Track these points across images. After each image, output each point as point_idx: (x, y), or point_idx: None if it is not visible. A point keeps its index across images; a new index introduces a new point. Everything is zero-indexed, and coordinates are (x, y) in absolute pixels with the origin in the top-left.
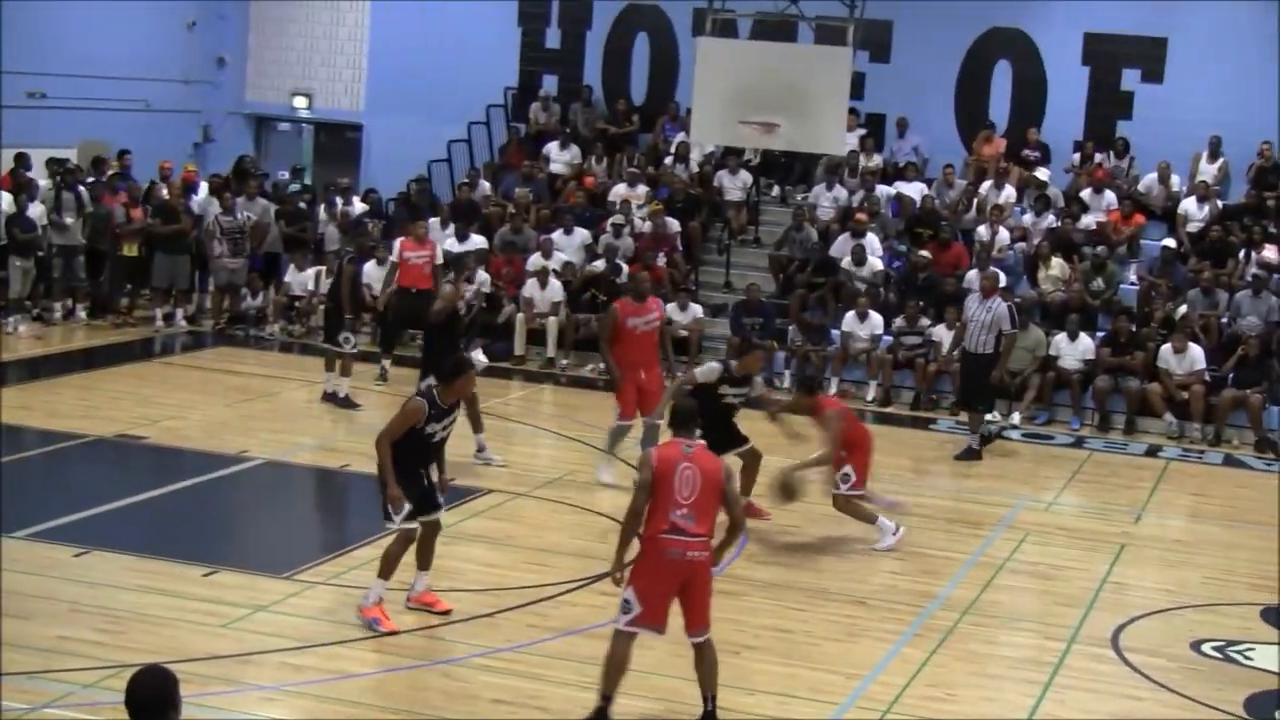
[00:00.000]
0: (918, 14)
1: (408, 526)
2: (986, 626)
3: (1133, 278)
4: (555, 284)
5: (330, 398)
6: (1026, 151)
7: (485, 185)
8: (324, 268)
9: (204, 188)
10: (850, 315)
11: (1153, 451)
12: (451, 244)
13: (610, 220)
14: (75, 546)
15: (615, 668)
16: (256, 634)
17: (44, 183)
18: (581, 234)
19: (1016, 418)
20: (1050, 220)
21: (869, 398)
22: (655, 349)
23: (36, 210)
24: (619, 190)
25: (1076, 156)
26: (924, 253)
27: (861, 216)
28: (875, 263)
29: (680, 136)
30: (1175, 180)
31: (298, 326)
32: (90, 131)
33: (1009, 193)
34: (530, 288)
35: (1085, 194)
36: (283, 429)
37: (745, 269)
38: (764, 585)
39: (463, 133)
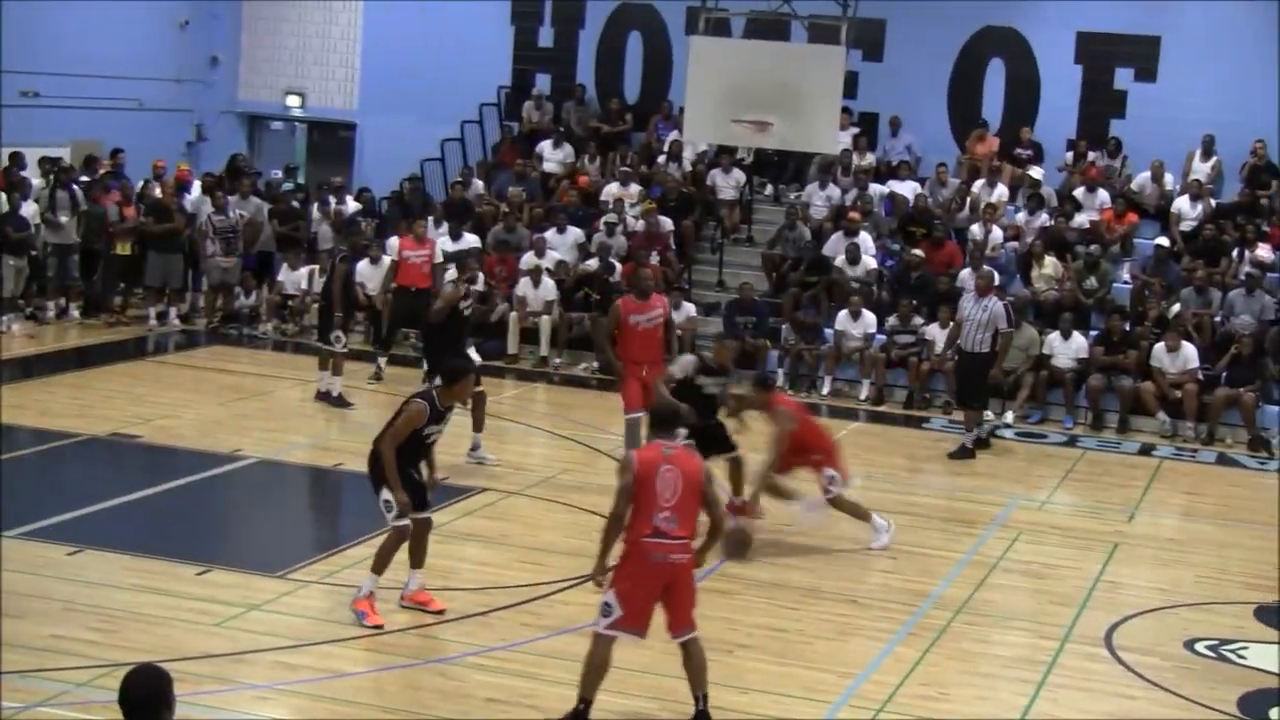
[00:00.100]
0: (911, 13)
1: (400, 524)
2: (980, 625)
3: (1126, 276)
4: (548, 283)
5: (324, 397)
6: (1019, 150)
7: (478, 184)
8: (317, 267)
9: (197, 186)
10: (843, 314)
11: (1146, 450)
12: (445, 243)
13: (603, 219)
14: (69, 545)
15: (595, 670)
16: (250, 633)
17: (37, 181)
18: (575, 233)
19: (1010, 416)
20: (1043, 219)
21: (862, 396)
22: (658, 346)
23: (30, 209)
24: (612, 189)
25: (1069, 155)
26: (917, 251)
27: (855, 215)
28: (868, 261)
29: (673, 135)
30: (1169, 179)
31: (291, 325)
32: (83, 130)
33: (1002, 191)
34: (523, 286)
35: (1078, 193)
36: (276, 428)
37: (738, 268)
38: (757, 584)
39: (456, 131)
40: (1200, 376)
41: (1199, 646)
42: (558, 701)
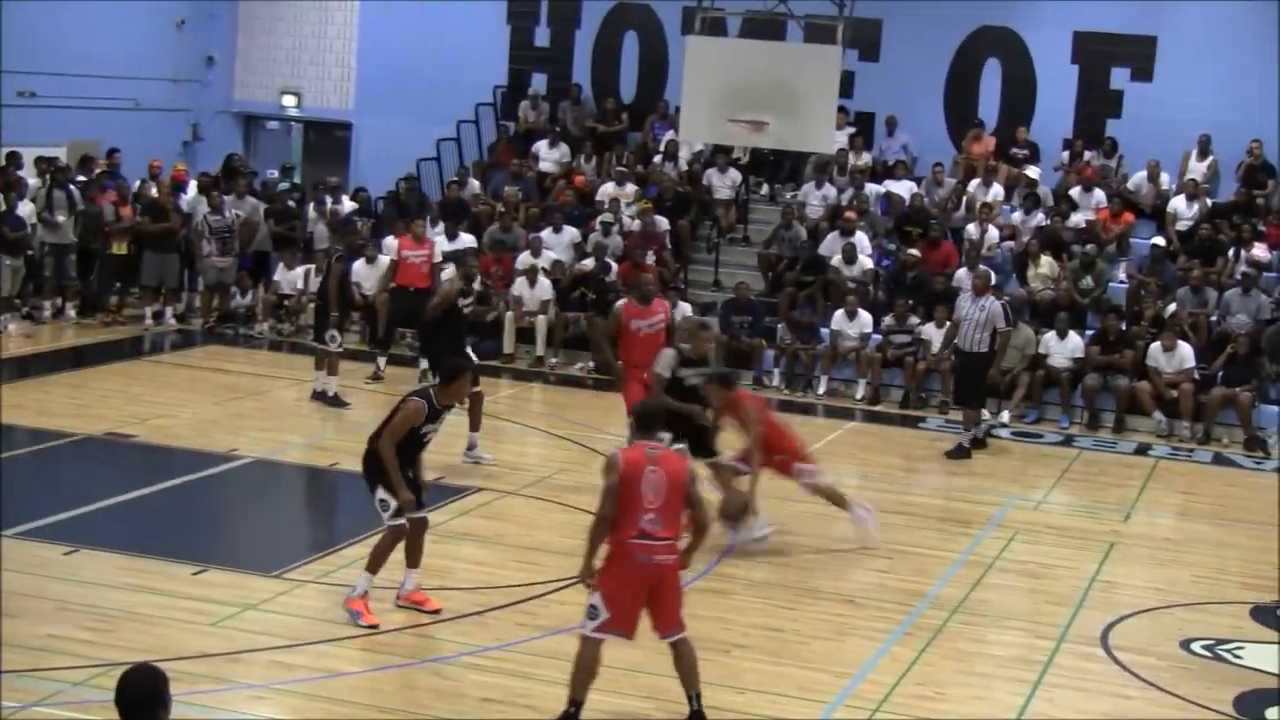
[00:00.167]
0: (907, 12)
1: (397, 523)
2: (976, 625)
3: (1122, 276)
4: (544, 282)
5: (319, 396)
6: (1015, 150)
7: (474, 184)
8: (313, 266)
9: (193, 186)
10: (839, 314)
11: (1142, 450)
12: (441, 243)
13: (599, 219)
14: (65, 545)
15: (585, 673)
16: (246, 632)
17: (33, 181)
18: (570, 232)
19: (1006, 416)
20: (1039, 218)
21: (858, 396)
22: (659, 351)
23: (26, 209)
24: (608, 189)
25: (1066, 155)
26: (913, 251)
27: (850, 215)
28: (864, 261)
29: (669, 135)
30: (1165, 178)
31: (287, 325)
32: (79, 130)
33: (998, 191)
34: (519, 286)
35: (1074, 192)
36: (272, 427)
37: (734, 267)
38: (753, 584)
39: (452, 131)
40: (1196, 376)
41: (1195, 646)
42: (553, 701)
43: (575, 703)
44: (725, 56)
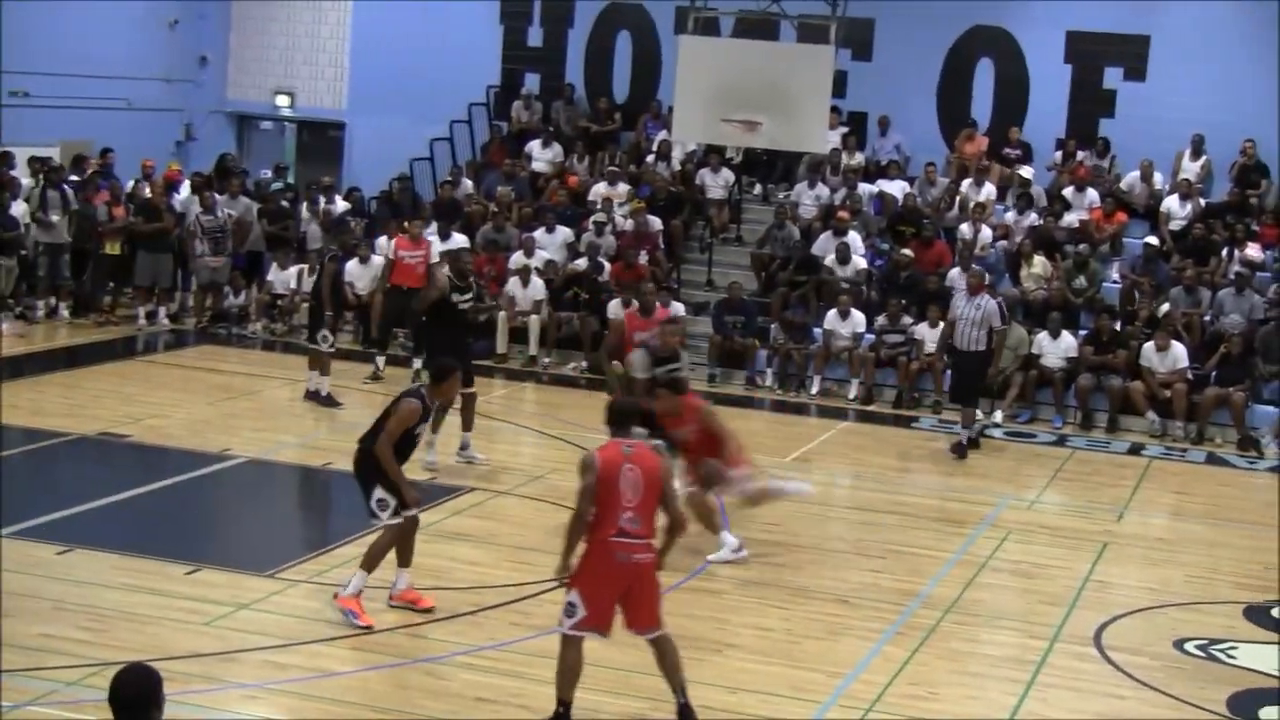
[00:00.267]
0: (900, 12)
1: (394, 522)
2: (969, 625)
3: (1115, 276)
4: (537, 282)
5: (313, 396)
6: (1008, 150)
7: (467, 183)
8: (306, 266)
9: (186, 186)
10: (832, 313)
11: (1135, 450)
12: (434, 243)
13: (592, 218)
14: (59, 544)
15: (570, 672)
16: (239, 632)
17: (26, 181)
18: (564, 232)
19: (999, 416)
20: (1032, 218)
21: (851, 396)
22: None
23: (19, 208)
24: (600, 188)
25: (1058, 154)
26: (906, 251)
27: (843, 214)
28: (857, 261)
29: (662, 135)
30: (1158, 178)
31: (280, 325)
32: (73, 130)
33: (990, 191)
34: (512, 286)
35: (1067, 192)
36: (265, 427)
37: (727, 267)
38: (746, 583)
39: (445, 131)
40: (1189, 376)
41: (1188, 646)
42: (546, 701)
43: (564, 703)
44: (718, 56)
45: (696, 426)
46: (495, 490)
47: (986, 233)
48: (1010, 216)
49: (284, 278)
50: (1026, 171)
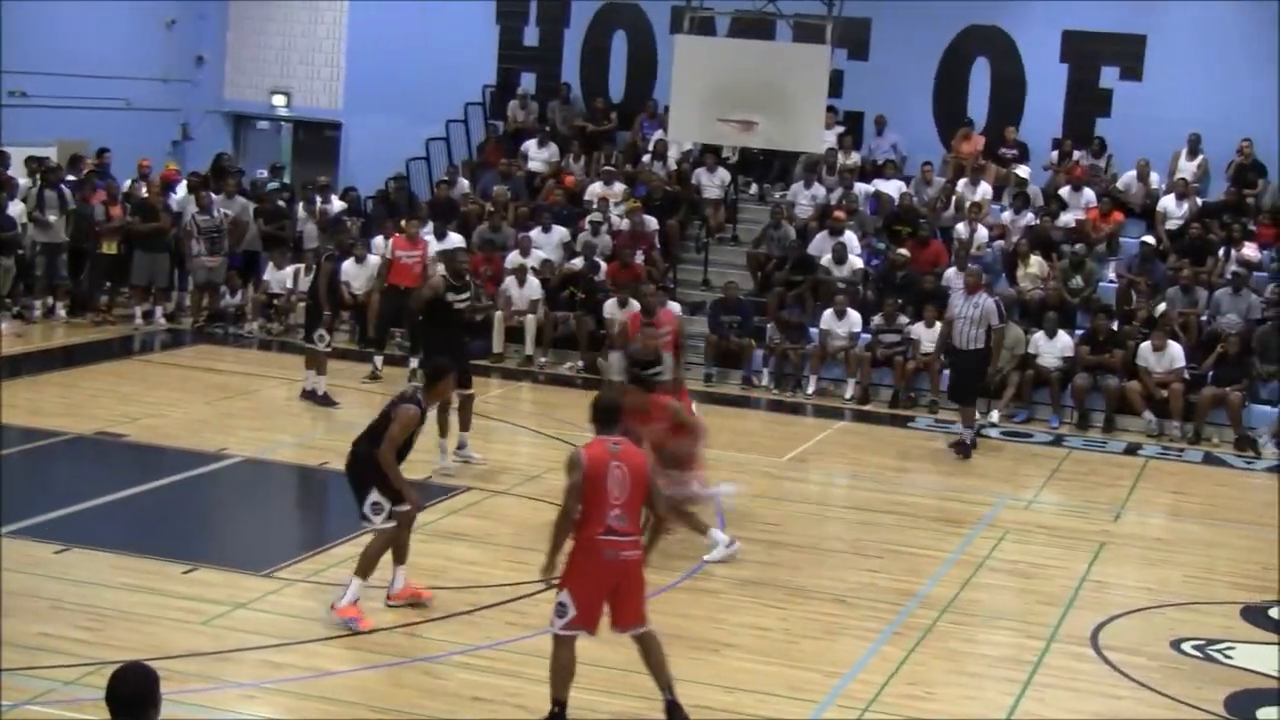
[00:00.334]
0: (896, 12)
1: (387, 526)
2: (966, 625)
3: (1112, 275)
4: (533, 282)
5: (309, 395)
6: (1005, 149)
7: (464, 183)
8: (303, 266)
9: (183, 186)
10: (828, 313)
11: (1132, 449)
12: (430, 242)
13: (588, 218)
14: (56, 544)
15: (564, 672)
16: (236, 631)
17: (23, 181)
18: (560, 232)
19: (995, 415)
20: (1029, 218)
21: (847, 395)
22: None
23: (17, 208)
24: (597, 188)
25: (1055, 154)
26: (902, 250)
27: (840, 214)
28: (854, 260)
29: (658, 134)
30: (1154, 178)
31: (276, 324)
32: (69, 130)
33: (987, 190)
34: (508, 285)
35: (1064, 191)
36: (262, 427)
37: (723, 267)
38: (743, 583)
39: (441, 131)
40: (1186, 376)
41: (1186, 646)
42: (542, 700)
43: (558, 703)
44: (714, 56)
45: (666, 424)
46: (492, 490)
47: (983, 232)
48: (1007, 216)
49: (280, 277)
50: (1023, 171)
